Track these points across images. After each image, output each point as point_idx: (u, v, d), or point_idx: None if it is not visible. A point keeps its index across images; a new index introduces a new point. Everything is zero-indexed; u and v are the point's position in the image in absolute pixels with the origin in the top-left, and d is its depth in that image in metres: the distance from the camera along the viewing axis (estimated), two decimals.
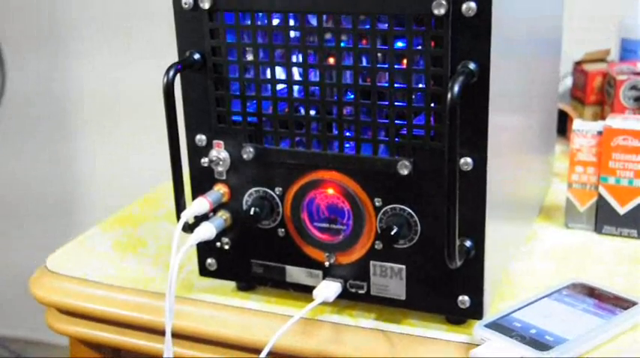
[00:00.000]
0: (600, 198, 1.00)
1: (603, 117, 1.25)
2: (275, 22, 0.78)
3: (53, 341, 2.24)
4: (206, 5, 0.79)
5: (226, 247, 0.87)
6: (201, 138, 0.84)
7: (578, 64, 1.34)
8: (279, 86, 0.80)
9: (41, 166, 2.23)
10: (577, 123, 0.99)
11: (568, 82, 1.39)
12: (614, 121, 0.97)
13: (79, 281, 0.96)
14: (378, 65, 0.75)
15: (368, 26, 0.74)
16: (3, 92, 2.16)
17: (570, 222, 1.03)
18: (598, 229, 1.01)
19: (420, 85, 0.75)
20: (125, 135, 2.09)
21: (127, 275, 0.96)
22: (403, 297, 0.82)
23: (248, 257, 0.86)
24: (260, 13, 0.78)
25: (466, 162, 0.74)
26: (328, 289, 0.82)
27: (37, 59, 2.11)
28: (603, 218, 1.00)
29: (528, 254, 0.97)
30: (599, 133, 0.98)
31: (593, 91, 1.28)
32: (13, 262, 2.37)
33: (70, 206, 2.25)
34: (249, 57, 0.80)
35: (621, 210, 0.99)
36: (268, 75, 0.79)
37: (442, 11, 0.70)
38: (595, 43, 1.42)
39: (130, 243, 1.04)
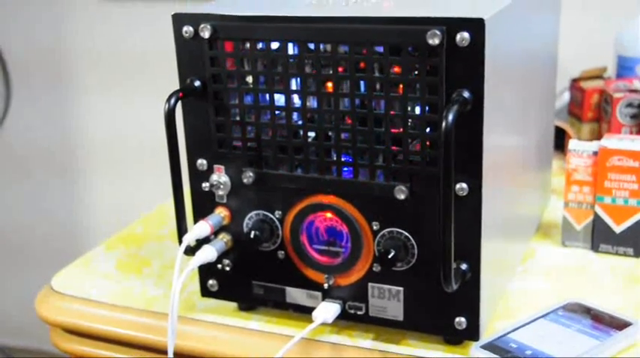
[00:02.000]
0: (596, 216, 1.00)
1: (600, 134, 1.25)
2: (274, 46, 0.79)
3: (59, 353, 2.24)
4: (206, 34, 0.79)
5: (227, 268, 0.87)
6: (202, 163, 0.85)
7: (575, 81, 1.33)
8: (278, 112, 0.80)
9: (47, 189, 2.24)
10: (573, 144, 0.99)
11: (565, 97, 1.38)
12: (610, 142, 0.97)
13: (83, 302, 0.96)
14: (375, 92, 0.76)
15: (365, 54, 0.75)
16: (6, 115, 2.17)
17: (567, 241, 1.03)
18: (594, 247, 1.02)
19: (416, 112, 0.75)
20: (130, 158, 2.10)
21: (131, 295, 0.96)
22: (401, 318, 0.82)
23: (249, 278, 0.87)
24: (260, 42, 0.79)
25: (461, 187, 0.75)
26: (327, 310, 0.83)
27: (46, 95, 2.12)
28: (599, 236, 1.01)
29: (525, 273, 0.97)
30: (595, 153, 0.98)
31: (590, 108, 1.28)
32: (20, 278, 2.38)
33: (75, 223, 2.26)
34: (249, 83, 0.81)
35: (617, 229, 0.99)
36: (268, 101, 0.80)
37: (436, 41, 0.71)
38: (591, 61, 1.42)
39: (134, 262, 1.04)
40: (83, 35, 2.03)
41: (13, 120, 2.19)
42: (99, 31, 2.00)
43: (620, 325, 0.82)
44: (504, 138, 0.83)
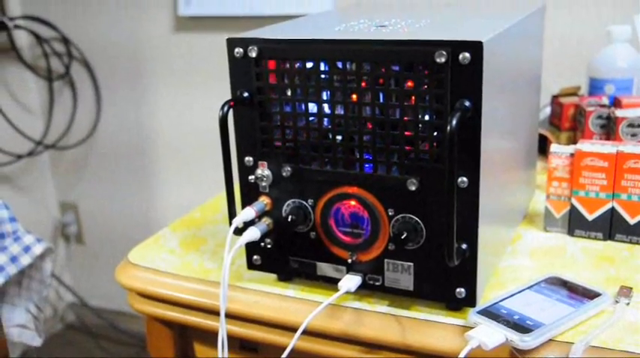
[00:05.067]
0: (572, 207, 0.97)
1: (576, 141, 1.23)
2: (309, 65, 0.77)
3: (135, 313, 2.25)
4: (253, 54, 0.78)
5: (269, 246, 0.86)
6: (249, 160, 0.83)
7: (555, 97, 1.31)
8: (312, 118, 0.79)
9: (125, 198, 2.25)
10: (554, 147, 0.97)
11: (547, 111, 1.36)
12: (584, 145, 0.95)
13: (153, 272, 0.95)
14: (392, 102, 0.74)
15: (383, 70, 0.73)
16: (96, 127, 2.18)
17: (548, 226, 1.00)
18: (570, 232, 0.99)
19: (426, 118, 0.73)
20: (192, 157, 2.10)
21: (191, 267, 0.95)
22: (411, 288, 0.80)
23: (286, 254, 0.85)
24: (297, 60, 0.77)
25: (462, 180, 0.73)
26: (351, 281, 0.81)
27: (126, 101, 2.12)
28: (575, 223, 0.98)
29: (514, 253, 0.94)
30: (572, 155, 0.96)
31: (567, 120, 1.26)
32: (105, 249, 2.39)
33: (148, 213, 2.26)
34: (288, 95, 0.79)
35: (589, 217, 0.96)
36: (303, 109, 0.78)
37: (443, 60, 0.69)
38: (568, 81, 1.40)
39: (193, 241, 1.03)
40: (158, 69, 2.03)
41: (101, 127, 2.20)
42: (172, 53, 2.00)
43: (591, 295, 0.80)
44: (498, 142, 0.80)
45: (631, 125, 1.09)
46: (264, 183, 0.83)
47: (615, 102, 1.19)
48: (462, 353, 0.72)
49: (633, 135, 1.10)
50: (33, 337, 1.32)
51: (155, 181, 2.20)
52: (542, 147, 1.26)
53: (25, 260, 1.24)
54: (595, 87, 1.27)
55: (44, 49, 2.14)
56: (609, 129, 1.14)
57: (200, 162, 2.07)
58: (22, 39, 2.16)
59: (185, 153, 2.10)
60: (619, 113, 1.11)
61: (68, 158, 2.31)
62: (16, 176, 2.27)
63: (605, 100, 1.21)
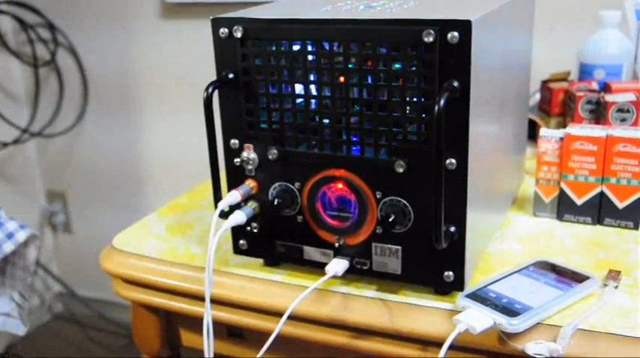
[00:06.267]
0: (562, 191, 0.97)
1: (565, 126, 1.22)
2: (295, 47, 0.76)
3: (121, 301, 2.24)
4: (238, 35, 0.77)
5: (255, 230, 0.85)
6: (234, 142, 0.82)
7: (544, 82, 1.31)
8: (298, 100, 0.78)
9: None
10: (543, 131, 0.97)
11: (537, 96, 1.36)
12: (573, 129, 0.95)
13: (139, 257, 0.94)
14: (379, 83, 0.73)
15: (371, 51, 0.72)
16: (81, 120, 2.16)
17: (537, 211, 1.00)
18: (560, 217, 0.98)
19: (414, 99, 0.73)
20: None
21: (177, 253, 0.94)
22: (399, 272, 0.79)
23: (273, 239, 0.85)
24: (283, 41, 0.76)
25: (451, 162, 0.72)
26: (338, 265, 0.80)
27: (114, 87, 2.11)
28: (564, 208, 0.98)
29: (502, 237, 0.94)
30: (561, 139, 0.95)
31: (557, 105, 1.25)
32: (93, 237, 2.38)
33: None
34: (274, 76, 0.78)
35: (578, 202, 0.96)
36: (289, 91, 0.77)
37: (431, 39, 0.68)
38: (558, 66, 1.39)
39: (180, 226, 1.02)
40: (145, 56, 2.02)
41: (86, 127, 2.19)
42: (160, 40, 1.99)
43: (580, 279, 0.80)
44: (487, 124, 0.80)
45: (620, 110, 1.09)
46: (250, 166, 0.82)
47: (605, 88, 1.19)
48: (450, 337, 0.71)
49: (623, 119, 1.09)
50: (17, 325, 1.31)
51: (145, 170, 2.18)
52: (532, 133, 1.26)
53: (8, 247, 1.23)
54: (585, 72, 1.26)
55: (29, 35, 2.12)
56: (599, 114, 1.14)
57: (191, 148, 2.06)
58: (6, 24, 2.14)
59: (177, 142, 2.08)
60: (609, 98, 1.11)
61: (55, 146, 2.29)
62: (1, 164, 2.25)
63: (595, 85, 1.21)
